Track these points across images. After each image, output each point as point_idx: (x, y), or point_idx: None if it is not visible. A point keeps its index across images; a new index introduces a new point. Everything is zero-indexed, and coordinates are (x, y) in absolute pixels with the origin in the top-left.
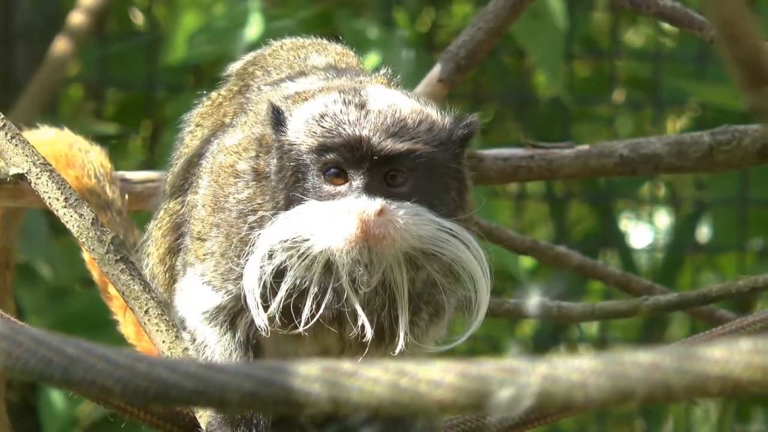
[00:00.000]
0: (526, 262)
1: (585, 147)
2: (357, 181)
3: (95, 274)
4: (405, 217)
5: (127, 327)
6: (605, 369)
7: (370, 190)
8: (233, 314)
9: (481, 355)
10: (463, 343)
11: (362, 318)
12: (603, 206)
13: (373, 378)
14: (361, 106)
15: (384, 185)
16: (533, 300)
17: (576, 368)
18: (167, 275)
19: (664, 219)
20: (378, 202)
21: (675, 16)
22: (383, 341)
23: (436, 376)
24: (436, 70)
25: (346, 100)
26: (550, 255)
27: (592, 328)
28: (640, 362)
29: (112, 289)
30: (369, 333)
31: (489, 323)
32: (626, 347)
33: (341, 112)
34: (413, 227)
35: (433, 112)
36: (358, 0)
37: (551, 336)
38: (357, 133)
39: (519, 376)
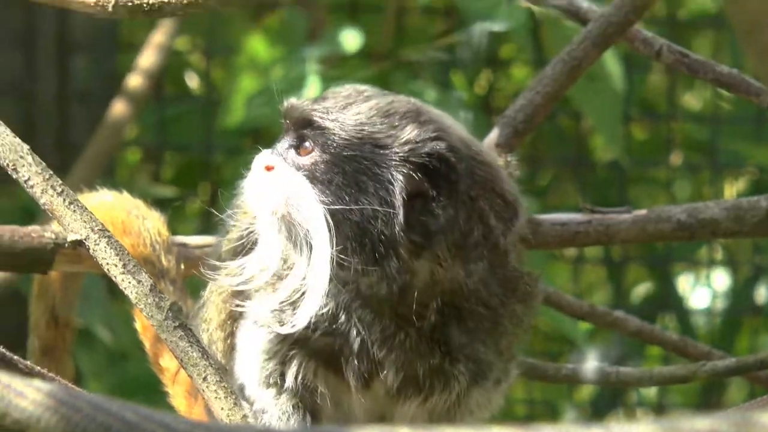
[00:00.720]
0: (584, 325)
1: (643, 212)
2: (277, 140)
3: (147, 344)
4: (282, 180)
5: (177, 399)
6: None
7: (278, 150)
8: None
9: (539, 419)
10: (521, 407)
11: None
12: (661, 269)
13: None
14: (355, 91)
15: (293, 151)
16: (591, 365)
17: None
18: (227, 342)
19: (721, 281)
20: (269, 159)
21: (732, 82)
22: (421, 392)
23: None
24: (493, 135)
25: (352, 87)
26: (608, 320)
27: (651, 392)
28: (698, 428)
29: (162, 361)
30: (391, 377)
31: (547, 387)
32: (684, 412)
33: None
34: (284, 193)
35: (400, 121)
36: (415, 62)
37: (609, 400)
38: (290, 102)
39: None
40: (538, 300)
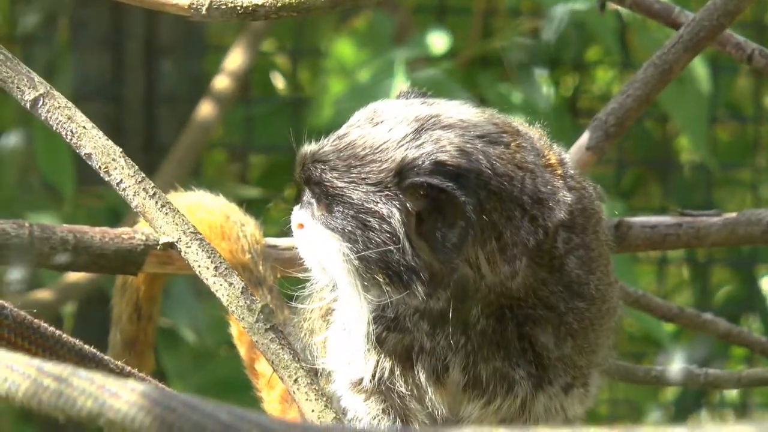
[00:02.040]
0: (668, 326)
1: (732, 215)
2: (301, 193)
3: (242, 350)
4: (310, 238)
5: (271, 404)
6: None
7: (304, 204)
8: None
9: (622, 420)
10: (604, 407)
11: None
12: (745, 271)
13: None
14: (366, 119)
15: (315, 205)
16: (679, 366)
17: None
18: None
19: None
20: (299, 217)
21: None
22: (484, 394)
23: None
24: (584, 138)
25: (367, 111)
26: (697, 322)
27: (733, 393)
28: None
29: (258, 366)
30: (456, 375)
31: (630, 387)
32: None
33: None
34: (314, 249)
35: (385, 155)
36: (501, 63)
37: (693, 401)
38: (300, 151)
39: None
40: (611, 303)
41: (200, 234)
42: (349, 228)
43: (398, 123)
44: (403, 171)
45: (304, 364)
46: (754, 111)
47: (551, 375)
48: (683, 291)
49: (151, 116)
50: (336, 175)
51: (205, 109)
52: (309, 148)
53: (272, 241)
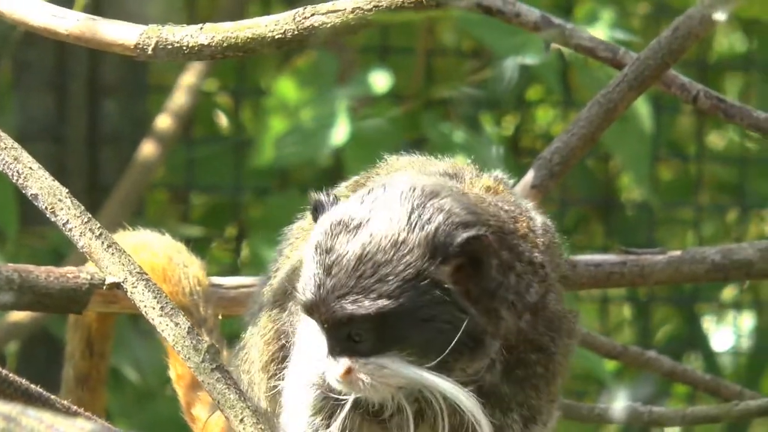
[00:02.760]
0: (610, 365)
1: (677, 253)
2: (325, 340)
3: (180, 393)
4: (371, 374)
5: None
6: None
7: (334, 351)
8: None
9: None
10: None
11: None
12: (687, 309)
13: None
14: (328, 251)
15: (350, 342)
16: (623, 404)
17: None
18: (270, 383)
19: (747, 322)
20: (341, 365)
21: None
22: None
23: None
24: (529, 176)
25: (321, 244)
26: (641, 360)
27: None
28: None
29: (194, 411)
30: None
31: (572, 426)
32: None
33: (311, 265)
34: (382, 381)
35: (406, 245)
36: (444, 102)
37: None
38: (310, 299)
39: None
40: (578, 337)
41: (146, 274)
42: (409, 334)
43: (385, 214)
44: (433, 246)
45: (249, 404)
46: (697, 150)
47: (536, 414)
48: (625, 329)
49: (95, 156)
50: (370, 295)
51: (148, 149)
52: (321, 288)
53: (216, 280)
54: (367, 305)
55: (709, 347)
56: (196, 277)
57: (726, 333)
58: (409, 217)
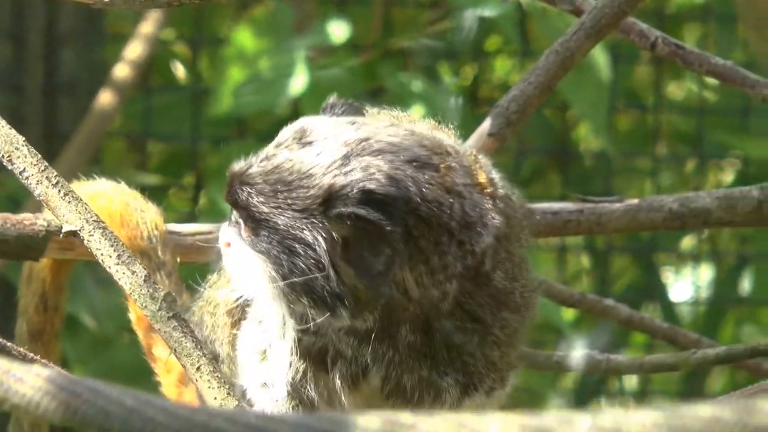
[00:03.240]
0: (568, 314)
1: (634, 201)
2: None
3: (140, 335)
4: (239, 259)
5: (168, 388)
6: (666, 422)
7: (232, 223)
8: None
9: (522, 407)
10: (504, 394)
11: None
12: (645, 259)
13: (432, 431)
14: (275, 145)
15: (242, 225)
16: (580, 353)
17: (637, 421)
18: (234, 330)
19: (705, 272)
20: (227, 236)
21: (727, 74)
22: (410, 402)
23: (495, 429)
24: (486, 125)
25: (278, 138)
26: (599, 308)
27: (632, 380)
28: (700, 416)
29: (155, 351)
30: (377, 382)
31: (529, 375)
32: (666, 400)
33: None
34: (244, 273)
35: (311, 181)
36: (402, 52)
37: (593, 388)
38: (230, 170)
39: (581, 429)
40: (533, 309)
41: (103, 222)
42: (275, 252)
43: (327, 146)
44: (330, 199)
45: (206, 352)
46: (655, 99)
47: (476, 381)
48: (582, 279)
49: (52, 105)
50: (262, 199)
51: (105, 97)
52: (237, 167)
53: (173, 227)
54: (251, 201)
55: (667, 297)
56: (154, 222)
57: (684, 284)
58: (334, 162)
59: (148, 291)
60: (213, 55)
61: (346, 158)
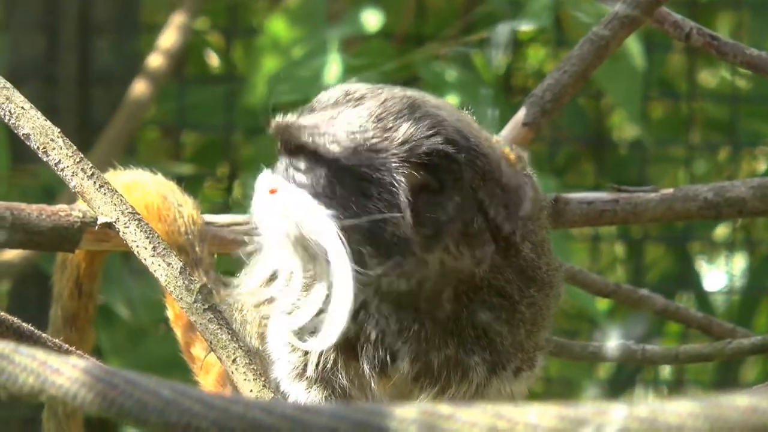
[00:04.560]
0: (602, 303)
1: (669, 190)
2: (277, 160)
3: (178, 333)
4: (290, 202)
5: (206, 389)
6: (702, 412)
7: (278, 170)
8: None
9: (556, 397)
10: (538, 384)
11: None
12: (679, 248)
13: (470, 421)
14: (345, 95)
15: (294, 170)
16: (615, 343)
17: (673, 411)
18: (262, 323)
19: (739, 261)
20: (273, 182)
21: (762, 64)
22: (437, 382)
23: (533, 420)
24: (520, 114)
25: (341, 90)
26: (634, 298)
27: (667, 370)
28: (737, 405)
29: (194, 350)
30: (405, 365)
31: (564, 365)
32: (701, 389)
33: (318, 97)
34: (295, 214)
35: (386, 123)
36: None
37: (627, 378)
38: (280, 121)
39: (617, 419)
40: (557, 289)
41: (138, 214)
42: (344, 194)
43: (389, 98)
44: (409, 140)
45: (242, 344)
46: (688, 88)
47: (504, 360)
48: (616, 269)
49: (86, 96)
50: (330, 139)
51: (139, 87)
52: (293, 116)
53: (209, 218)
54: (319, 142)
55: (702, 287)
56: (191, 216)
57: (718, 272)
58: (401, 110)
59: (184, 283)
60: (247, 45)
61: (412, 108)
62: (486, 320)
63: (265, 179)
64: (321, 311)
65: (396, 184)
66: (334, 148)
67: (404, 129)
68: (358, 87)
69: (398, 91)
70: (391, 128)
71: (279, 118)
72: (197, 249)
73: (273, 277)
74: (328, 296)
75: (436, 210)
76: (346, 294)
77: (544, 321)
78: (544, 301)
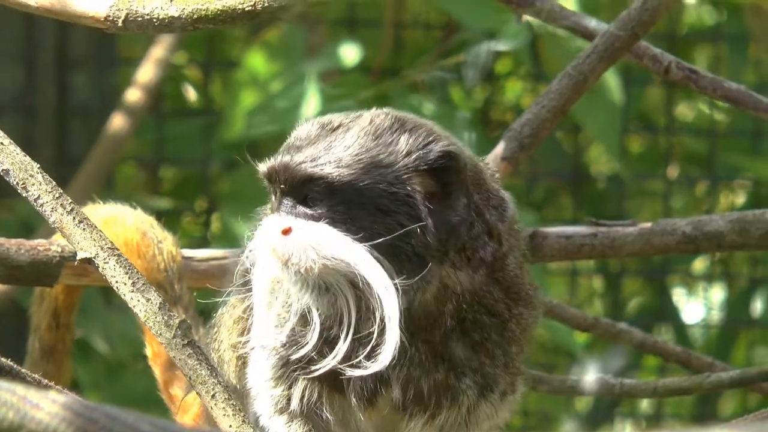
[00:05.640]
0: (581, 337)
1: (647, 224)
2: (279, 203)
3: (157, 372)
4: (308, 237)
5: (182, 414)
6: None
7: (285, 210)
8: (290, 384)
9: (535, 431)
10: (516, 418)
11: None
12: (657, 281)
13: None
14: (322, 127)
15: (302, 206)
16: (594, 377)
17: None
18: (239, 362)
19: (717, 294)
20: (284, 222)
21: (740, 98)
22: (427, 409)
23: None
24: (499, 149)
25: (316, 124)
26: (612, 332)
27: (645, 404)
28: None
29: (172, 390)
30: (396, 393)
31: (542, 398)
32: (680, 423)
33: (294, 135)
34: (316, 248)
35: (388, 137)
36: (415, 81)
37: (605, 412)
38: (272, 163)
39: None
40: (539, 309)
41: (117, 250)
42: (362, 216)
43: (374, 117)
44: (413, 150)
45: (221, 380)
46: (666, 122)
47: (492, 383)
48: (594, 302)
49: (63, 129)
50: (337, 165)
51: (117, 122)
52: (290, 154)
53: (187, 252)
54: (330, 168)
55: (680, 319)
56: (170, 253)
57: (696, 305)
58: (392, 125)
59: (163, 318)
60: (225, 79)
61: (401, 121)
62: (478, 340)
63: (274, 222)
64: (367, 336)
65: (412, 195)
66: (345, 173)
67: (404, 140)
68: (332, 117)
69: (376, 111)
70: (391, 142)
71: (270, 162)
72: (176, 286)
73: (300, 320)
74: (375, 318)
75: (447, 214)
76: (395, 311)
77: (528, 341)
78: (530, 321)
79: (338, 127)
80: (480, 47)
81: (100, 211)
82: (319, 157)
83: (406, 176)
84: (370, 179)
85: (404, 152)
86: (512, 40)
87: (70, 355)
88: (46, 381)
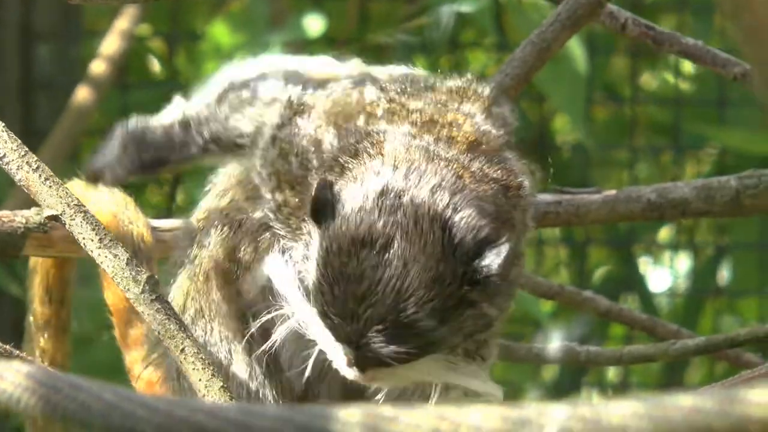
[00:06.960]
0: (546, 306)
1: (612, 192)
2: (349, 348)
3: (115, 321)
4: (394, 377)
5: (139, 382)
6: (646, 412)
7: (359, 361)
8: None
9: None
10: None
11: None
12: (623, 250)
13: (414, 423)
14: (357, 279)
15: (411, 349)
16: (559, 345)
17: (617, 411)
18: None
19: (683, 263)
20: (367, 376)
21: (698, 53)
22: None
23: (476, 421)
24: None
25: (344, 267)
26: (578, 300)
27: (611, 373)
28: (681, 405)
29: (130, 342)
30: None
31: (509, 367)
32: (647, 392)
33: (337, 290)
34: (405, 381)
35: (444, 277)
36: (378, 46)
37: (571, 380)
38: (346, 331)
39: (560, 420)
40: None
41: (84, 206)
42: (442, 343)
43: (414, 231)
44: (468, 271)
45: (190, 333)
46: (631, 91)
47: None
48: (560, 271)
49: (28, 102)
50: (413, 331)
51: (82, 94)
52: (357, 319)
53: (153, 223)
54: (410, 346)
55: (646, 288)
56: (141, 235)
57: (662, 274)
58: (442, 241)
59: (131, 274)
60: (189, 51)
61: (443, 233)
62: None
63: (350, 372)
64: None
65: (474, 304)
66: (421, 340)
67: (457, 269)
68: (367, 226)
69: (407, 202)
70: (449, 276)
71: (336, 326)
72: (144, 268)
73: None
74: None
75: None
76: None
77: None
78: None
79: (382, 248)
80: (442, 9)
81: (77, 188)
82: (392, 327)
83: (468, 298)
84: (445, 328)
85: (463, 284)
86: (474, 2)
87: (67, 331)
88: (16, 351)
